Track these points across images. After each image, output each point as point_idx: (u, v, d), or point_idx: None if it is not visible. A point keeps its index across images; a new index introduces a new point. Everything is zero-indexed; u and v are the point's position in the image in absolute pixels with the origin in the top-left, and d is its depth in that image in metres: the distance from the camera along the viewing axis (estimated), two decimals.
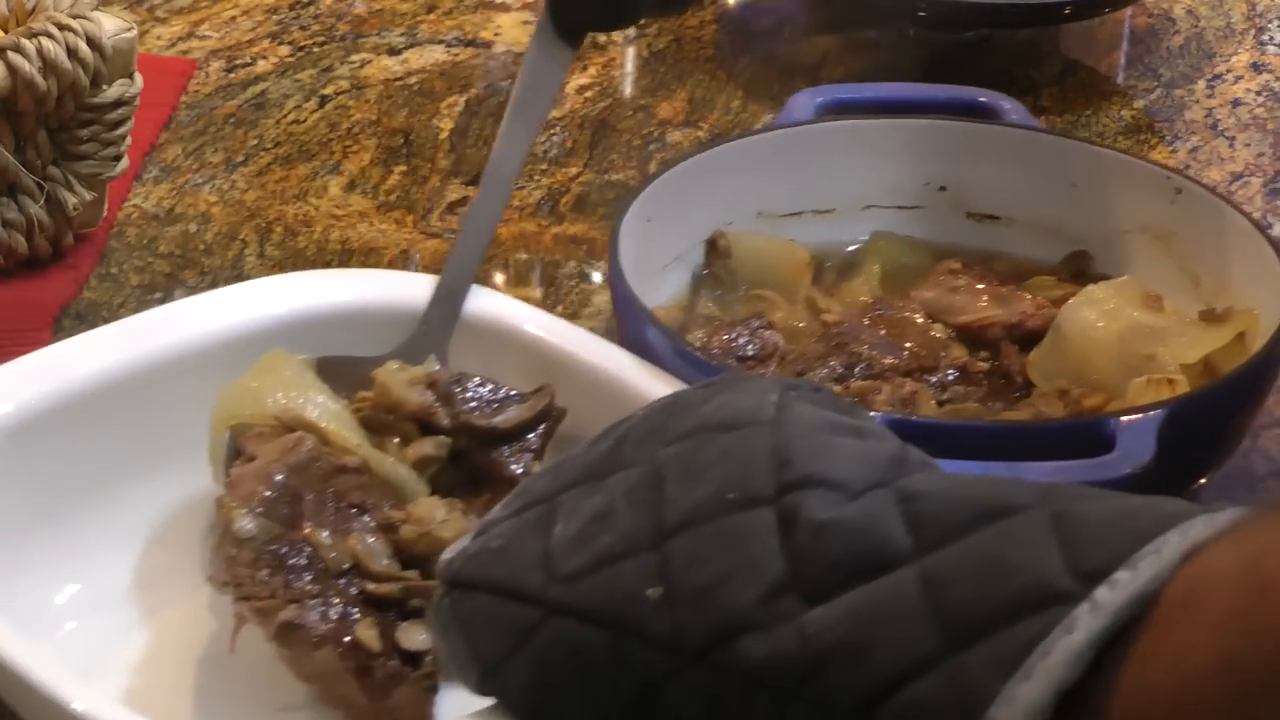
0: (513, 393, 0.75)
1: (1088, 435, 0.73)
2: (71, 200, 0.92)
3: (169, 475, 0.75)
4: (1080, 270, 0.91)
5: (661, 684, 0.52)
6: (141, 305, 0.91)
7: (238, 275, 0.93)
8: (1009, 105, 0.97)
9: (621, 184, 1.04)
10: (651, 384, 0.74)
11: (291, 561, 0.67)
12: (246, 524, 0.68)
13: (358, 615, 0.66)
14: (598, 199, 1.03)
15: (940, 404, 0.81)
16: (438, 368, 0.76)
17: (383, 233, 0.98)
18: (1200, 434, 0.77)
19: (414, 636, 0.66)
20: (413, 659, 0.66)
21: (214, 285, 0.91)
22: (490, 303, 0.80)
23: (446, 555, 0.58)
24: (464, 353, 0.78)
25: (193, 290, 0.92)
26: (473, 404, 0.74)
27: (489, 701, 0.57)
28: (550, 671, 0.54)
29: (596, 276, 0.95)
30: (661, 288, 0.89)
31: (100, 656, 0.70)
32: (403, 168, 1.05)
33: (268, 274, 0.86)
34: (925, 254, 0.92)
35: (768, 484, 0.53)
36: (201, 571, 0.72)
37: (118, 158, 0.93)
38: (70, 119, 0.90)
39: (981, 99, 0.98)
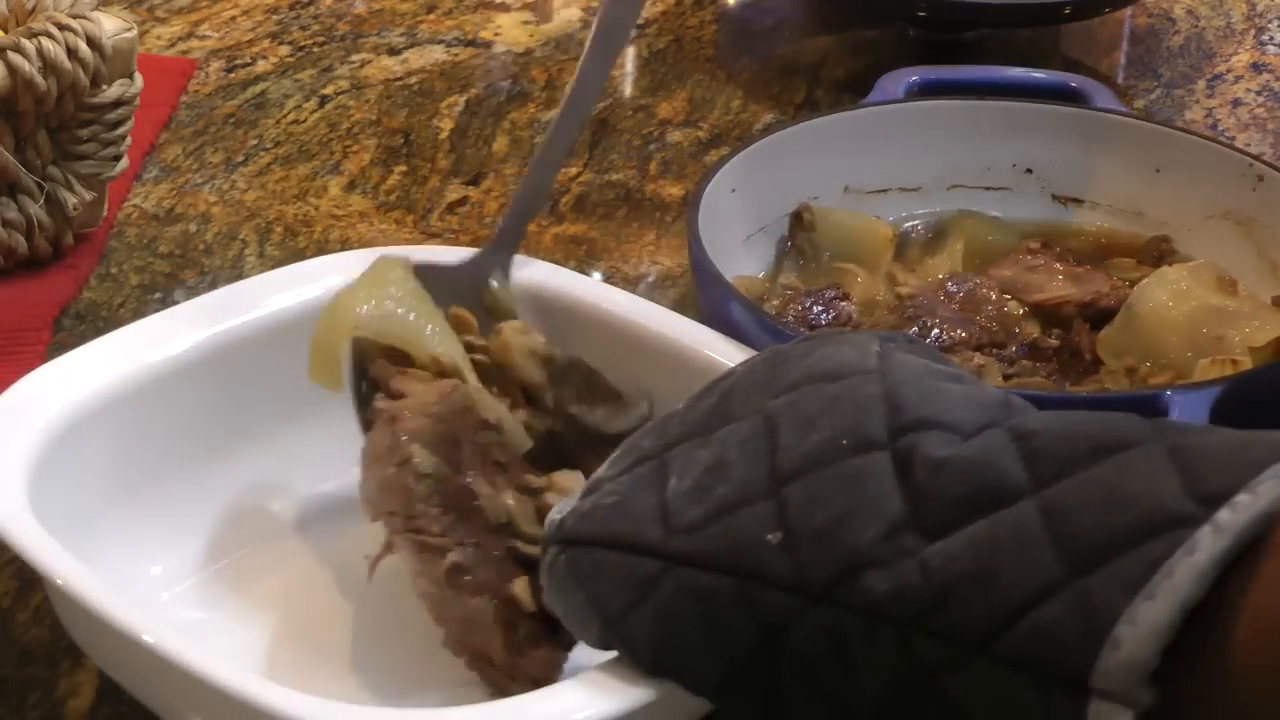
0: (616, 391, 0.75)
1: (1140, 407, 0.73)
2: (71, 200, 0.92)
3: (253, 448, 0.77)
4: (1161, 254, 0.92)
5: (786, 626, 0.54)
6: (141, 305, 0.91)
7: (237, 275, 0.93)
8: (1097, 90, 0.99)
9: (621, 184, 1.04)
10: (732, 355, 0.75)
11: (458, 507, 0.67)
12: (426, 459, 0.68)
13: (514, 571, 0.67)
14: (598, 199, 1.03)
15: (1006, 378, 0.82)
16: (541, 339, 0.75)
17: (383, 233, 0.98)
18: (1256, 414, 0.77)
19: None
20: (552, 623, 0.67)
21: (214, 285, 0.91)
22: (564, 279, 0.81)
23: (555, 515, 0.60)
24: (541, 327, 0.78)
25: (193, 290, 0.92)
26: (579, 396, 0.74)
27: (609, 655, 0.58)
28: (675, 620, 0.56)
29: (596, 276, 0.95)
30: (743, 258, 0.90)
31: (199, 625, 0.72)
32: (403, 168, 1.05)
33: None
34: (1010, 233, 0.93)
35: (880, 429, 0.55)
36: (294, 537, 0.74)
37: (118, 158, 0.93)
38: (70, 119, 0.90)
39: (1071, 83, 1.00)
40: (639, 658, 0.57)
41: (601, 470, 0.61)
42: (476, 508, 0.68)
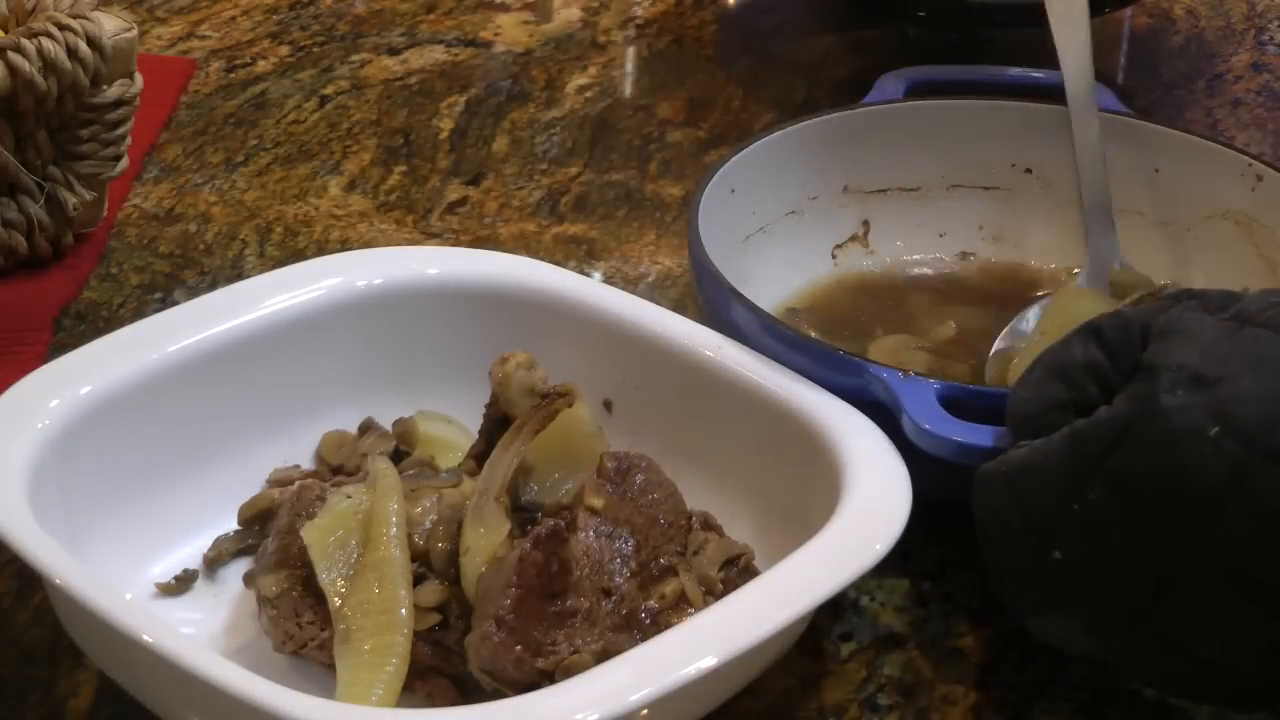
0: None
1: None
2: (71, 200, 0.92)
3: (253, 447, 0.77)
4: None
5: None
6: (141, 305, 0.91)
7: (238, 275, 0.93)
8: (1097, 90, 0.98)
9: (621, 184, 1.04)
10: (732, 355, 0.76)
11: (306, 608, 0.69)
12: (269, 585, 0.69)
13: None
14: (598, 199, 1.03)
15: None
16: (544, 374, 0.73)
17: (383, 233, 0.98)
18: None
19: (426, 596, 0.68)
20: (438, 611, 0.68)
21: (214, 285, 0.91)
22: (564, 279, 0.82)
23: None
24: (534, 329, 0.79)
25: (193, 290, 0.92)
26: None
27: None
28: None
29: (596, 276, 0.95)
30: (743, 258, 0.89)
31: (198, 624, 0.72)
32: (403, 168, 1.05)
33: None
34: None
35: None
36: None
37: (118, 158, 0.93)
38: (70, 119, 0.90)
39: None
40: None
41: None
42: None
